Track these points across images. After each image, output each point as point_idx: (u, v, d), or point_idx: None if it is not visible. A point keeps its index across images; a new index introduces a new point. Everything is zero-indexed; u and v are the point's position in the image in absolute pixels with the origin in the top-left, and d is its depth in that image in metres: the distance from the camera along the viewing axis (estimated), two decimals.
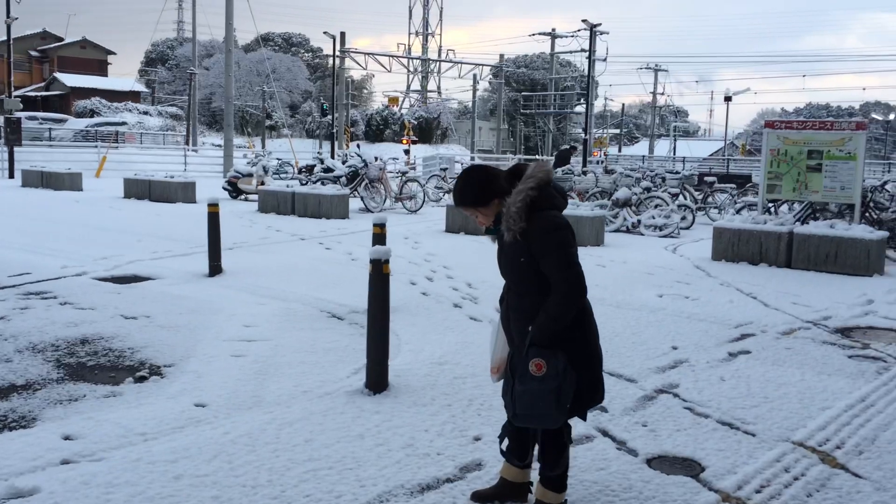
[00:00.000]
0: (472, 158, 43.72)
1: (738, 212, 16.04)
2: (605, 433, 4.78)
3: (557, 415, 3.37)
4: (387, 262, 5.35)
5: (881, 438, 4.83)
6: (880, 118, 69.96)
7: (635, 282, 10.10)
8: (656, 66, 62.90)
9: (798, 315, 8.34)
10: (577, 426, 4.57)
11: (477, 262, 11.15)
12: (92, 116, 51.62)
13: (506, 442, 3.74)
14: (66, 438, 4.47)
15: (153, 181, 20.36)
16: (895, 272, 11.36)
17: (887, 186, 15.14)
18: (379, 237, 7.85)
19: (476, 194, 3.47)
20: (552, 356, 3.34)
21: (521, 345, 3.45)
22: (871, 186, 14.20)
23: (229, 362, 6.04)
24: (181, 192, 19.80)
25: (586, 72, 40.01)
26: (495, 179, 3.45)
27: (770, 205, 15.06)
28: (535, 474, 3.79)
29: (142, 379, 5.61)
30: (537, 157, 50.91)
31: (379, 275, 5.33)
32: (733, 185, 20.46)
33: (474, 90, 56.11)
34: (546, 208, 3.39)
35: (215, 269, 9.62)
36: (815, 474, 4.26)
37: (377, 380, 5.35)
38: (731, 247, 12.07)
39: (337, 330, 7.22)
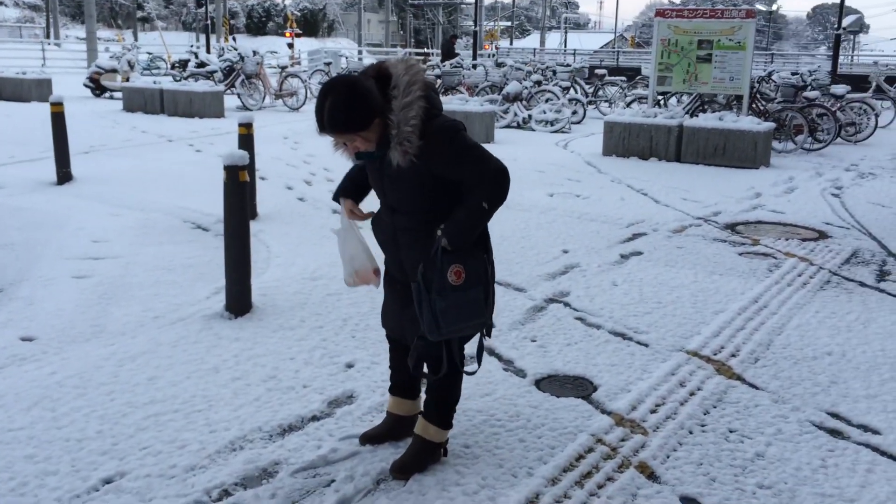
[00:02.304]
0: (360, 52, 42.09)
1: (628, 105, 15.81)
2: (490, 352, 4.37)
3: (486, 317, 3.00)
4: (244, 168, 4.67)
5: (776, 343, 4.61)
6: (764, 8, 71.25)
7: (525, 180, 9.70)
8: None
9: (688, 211, 8.14)
10: None
11: None
12: None
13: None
14: None
15: (3, 78, 18.45)
16: (780, 164, 11.38)
17: (773, 77, 15.16)
18: (245, 138, 7.10)
19: (356, 116, 2.68)
20: (469, 257, 2.86)
21: (413, 270, 2.89)
22: (757, 77, 14.14)
23: (69, 285, 5.30)
24: (35, 91, 18.04)
25: None
26: (371, 94, 2.70)
27: (659, 97, 14.85)
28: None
29: None
30: (427, 50, 49.44)
31: (235, 183, 4.65)
32: (623, 78, 20.22)
33: None
34: (435, 116, 2.79)
35: (64, 176, 8.64)
36: (712, 388, 3.99)
37: (238, 302, 4.75)
38: (622, 141, 11.81)
39: (200, 242, 6.52)
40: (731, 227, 7.56)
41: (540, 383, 4.01)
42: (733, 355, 4.42)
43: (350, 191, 3.15)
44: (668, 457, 3.31)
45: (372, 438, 3.31)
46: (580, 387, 4.00)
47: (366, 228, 3.16)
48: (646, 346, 4.53)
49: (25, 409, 3.51)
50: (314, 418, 3.54)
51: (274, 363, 4.09)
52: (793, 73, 16.94)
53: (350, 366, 4.10)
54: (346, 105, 2.67)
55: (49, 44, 36.19)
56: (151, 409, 3.55)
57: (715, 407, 3.78)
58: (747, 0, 77.63)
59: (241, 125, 7.11)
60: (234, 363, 4.08)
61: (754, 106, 13.26)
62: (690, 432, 3.52)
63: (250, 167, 7.11)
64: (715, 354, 4.43)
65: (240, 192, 4.68)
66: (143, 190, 8.52)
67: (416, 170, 2.77)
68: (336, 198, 3.17)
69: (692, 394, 3.91)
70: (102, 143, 11.95)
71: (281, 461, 3.17)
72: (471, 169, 2.80)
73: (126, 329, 4.55)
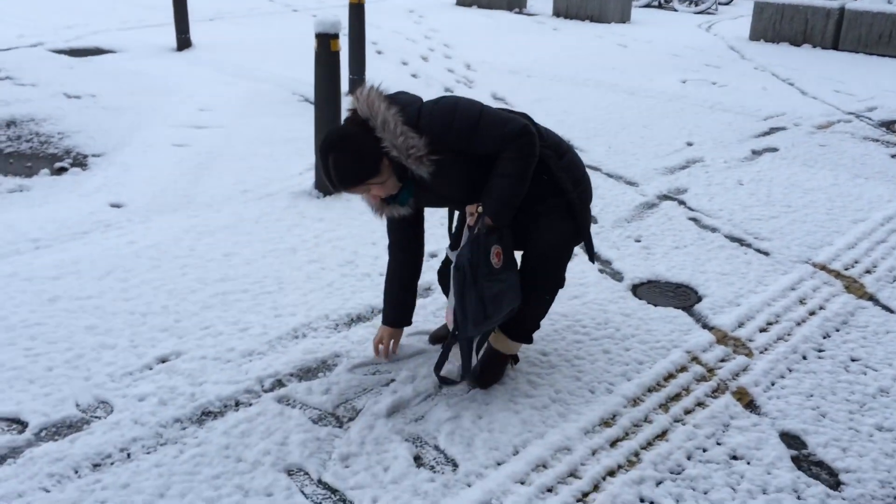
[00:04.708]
0: None
1: None
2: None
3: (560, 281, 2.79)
4: (336, 36, 4.36)
5: None
6: None
7: (657, 65, 8.95)
8: None
9: (839, 105, 7.28)
10: None
11: (482, 41, 9.99)
12: None
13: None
14: None
15: None
16: None
17: None
18: (356, 8, 6.76)
19: (365, 163, 2.42)
20: (507, 236, 2.60)
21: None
22: None
23: (168, 153, 5.24)
24: None
25: None
26: (368, 137, 2.43)
27: None
28: None
29: (61, 171, 4.86)
30: None
31: (327, 53, 4.36)
32: None
33: None
34: (417, 111, 2.48)
35: (183, 42, 8.59)
36: (837, 307, 3.49)
37: None
38: (773, 25, 10.70)
39: (305, 116, 6.31)
40: (887, 125, 6.70)
41: (637, 289, 3.63)
42: (868, 272, 3.88)
43: (400, 316, 2.92)
44: (772, 384, 2.90)
45: (441, 339, 3.07)
46: (682, 296, 3.59)
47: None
48: (766, 254, 4.03)
49: (98, 277, 3.45)
50: None
51: (354, 247, 3.89)
52: None
53: (433, 255, 3.83)
54: (352, 156, 2.42)
55: None
56: (221, 287, 3.43)
57: (838, 330, 3.31)
58: None
59: None
60: (314, 244, 3.90)
61: None
62: (804, 357, 3.09)
63: (360, 38, 6.82)
64: (846, 269, 3.89)
65: (331, 62, 4.38)
66: (257, 59, 8.39)
67: (450, 163, 2.48)
68: (388, 323, 2.92)
69: (812, 313, 3.44)
70: (229, 10, 11.88)
71: (342, 354, 2.98)
72: (487, 137, 2.48)
73: (213, 201, 4.44)
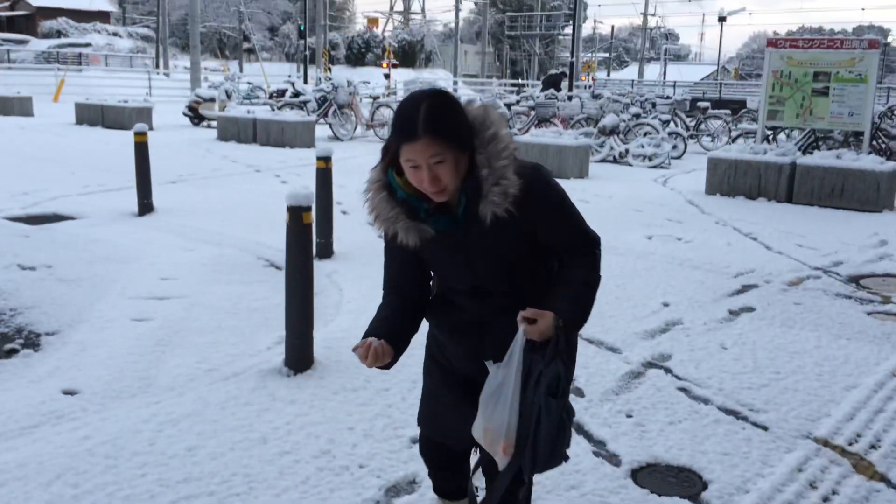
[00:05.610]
0: (455, 83, 42.04)
1: (733, 140, 14.91)
2: (579, 429, 3.77)
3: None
4: (308, 209, 4.24)
5: None
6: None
7: (622, 220, 9.03)
8: None
9: (805, 260, 7.32)
10: None
11: None
12: (59, 37, 49.11)
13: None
14: None
15: (106, 106, 18.92)
16: None
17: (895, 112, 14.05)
18: (323, 172, 6.75)
19: (461, 125, 2.09)
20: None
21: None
22: (878, 112, 13.08)
23: (127, 329, 4.96)
24: (136, 119, 18.33)
25: None
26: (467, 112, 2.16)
27: (768, 133, 13.93)
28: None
29: (11, 353, 4.54)
30: (524, 81, 49.06)
31: (298, 226, 4.23)
32: (728, 111, 19.24)
33: (457, 9, 53.64)
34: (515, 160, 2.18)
35: (145, 207, 8.47)
36: (850, 492, 3.27)
37: (298, 356, 4.30)
38: (728, 179, 10.99)
39: (271, 283, 6.13)
40: (856, 280, 6.72)
41: (637, 475, 3.38)
42: (873, 447, 3.69)
43: (381, 331, 2.32)
44: None
45: None
46: (686, 482, 3.35)
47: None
48: (764, 429, 3.83)
49: (46, 483, 3.10)
50: None
51: (330, 434, 3.60)
52: None
53: (415, 441, 3.56)
54: (453, 111, 2.09)
55: (157, 73, 37.45)
56: (184, 489, 3.09)
57: None
58: (856, 33, 74.34)
59: (319, 158, 6.78)
60: (286, 432, 3.60)
61: (874, 143, 12.24)
62: None
63: (327, 202, 6.76)
64: (850, 445, 3.70)
65: (303, 233, 4.24)
66: (221, 223, 8.27)
67: (514, 227, 2.14)
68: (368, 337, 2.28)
69: (826, 500, 3.21)
70: (191, 172, 11.89)
71: None
72: (574, 234, 2.25)
73: (175, 384, 4.14)
